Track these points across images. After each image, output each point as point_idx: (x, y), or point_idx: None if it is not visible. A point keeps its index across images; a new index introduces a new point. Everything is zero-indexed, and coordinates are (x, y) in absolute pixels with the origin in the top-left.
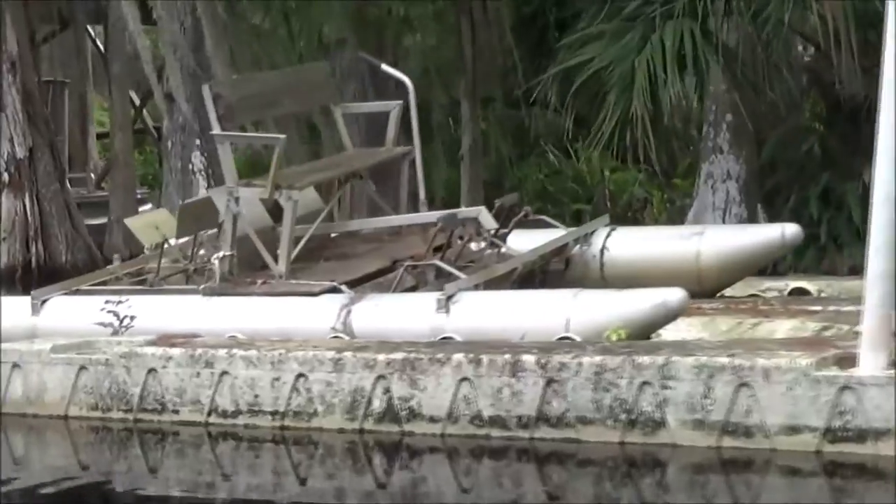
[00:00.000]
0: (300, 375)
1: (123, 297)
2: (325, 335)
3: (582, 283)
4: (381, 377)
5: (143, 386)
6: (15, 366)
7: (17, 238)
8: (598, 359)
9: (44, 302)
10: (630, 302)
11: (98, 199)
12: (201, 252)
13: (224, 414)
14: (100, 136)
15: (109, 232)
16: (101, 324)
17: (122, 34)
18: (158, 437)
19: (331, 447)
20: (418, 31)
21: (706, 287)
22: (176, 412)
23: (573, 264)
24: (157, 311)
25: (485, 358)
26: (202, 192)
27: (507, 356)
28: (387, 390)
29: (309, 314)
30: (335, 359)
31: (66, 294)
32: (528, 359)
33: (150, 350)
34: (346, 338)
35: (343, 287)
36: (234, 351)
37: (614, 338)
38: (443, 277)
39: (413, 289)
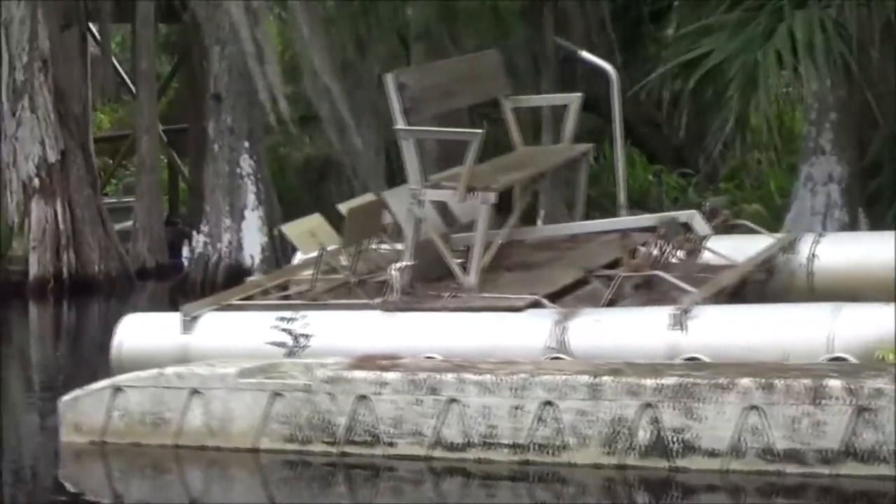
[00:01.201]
0: (547, 403)
1: (297, 314)
2: (535, 355)
3: (787, 295)
4: (647, 405)
5: (352, 415)
6: (194, 392)
7: (47, 247)
8: None
9: (194, 318)
10: None
11: (117, 205)
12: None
13: (451, 447)
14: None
15: (134, 239)
16: (274, 343)
17: (149, 32)
18: (369, 472)
19: (584, 485)
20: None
21: None
22: (391, 444)
23: (777, 274)
24: (334, 329)
25: (778, 383)
26: (251, 198)
27: (805, 381)
28: (655, 420)
29: (514, 331)
30: (591, 384)
31: (217, 310)
32: (834, 384)
33: (359, 374)
34: (567, 358)
35: (546, 301)
36: (465, 375)
37: (892, 358)
38: (644, 290)
39: (612, 303)
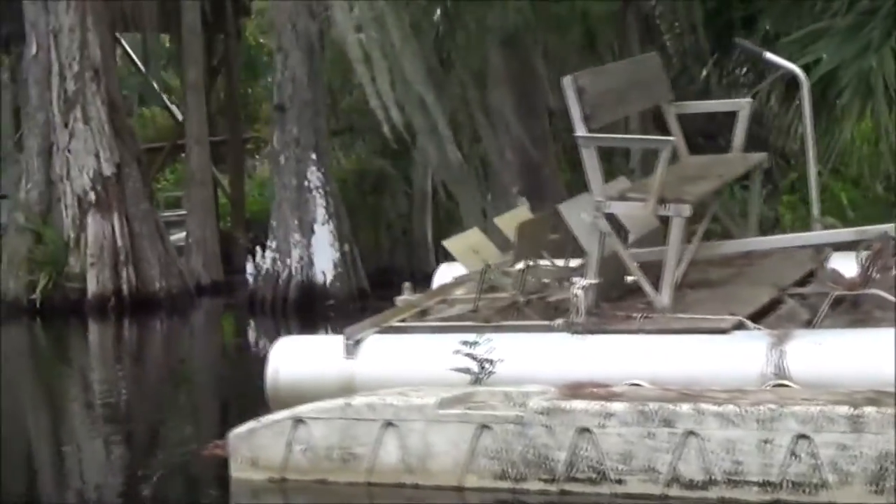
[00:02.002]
0: (801, 437)
1: (481, 337)
2: (750, 382)
3: None
4: None
5: (573, 450)
6: (388, 424)
7: (106, 263)
8: None
9: (357, 342)
10: None
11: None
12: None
13: (690, 484)
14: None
15: (188, 254)
16: (458, 369)
17: (197, 40)
18: None
19: None
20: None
21: None
22: (620, 482)
23: None
24: (522, 354)
25: None
26: (320, 212)
27: None
28: None
29: (723, 356)
30: (852, 416)
31: (380, 332)
32: None
33: (579, 405)
34: (794, 385)
35: (750, 322)
36: (703, 406)
37: None
38: (846, 309)
39: (809, 323)
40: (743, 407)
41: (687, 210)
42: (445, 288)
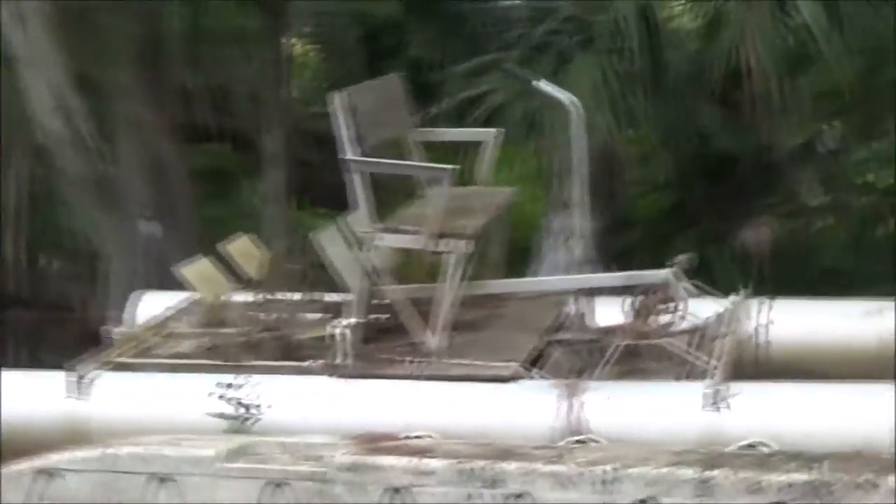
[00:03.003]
0: (643, 502)
1: (237, 379)
2: (538, 435)
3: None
4: None
5: None
6: (162, 480)
7: None
8: None
9: (86, 379)
10: None
11: None
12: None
13: None
14: None
15: None
16: (216, 415)
17: None
18: None
19: None
20: None
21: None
22: None
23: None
24: (286, 398)
25: None
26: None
27: None
28: None
29: (508, 406)
30: (699, 479)
31: (114, 369)
32: None
33: (391, 461)
34: (602, 441)
35: (531, 370)
36: (533, 466)
37: None
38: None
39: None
40: (575, 465)
41: (467, 246)
42: (163, 321)
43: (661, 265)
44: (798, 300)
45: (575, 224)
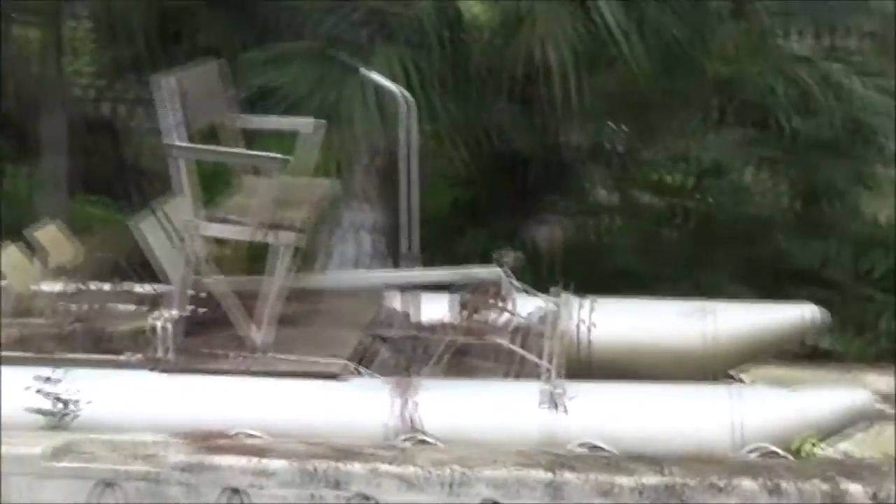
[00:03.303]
0: None
1: (59, 373)
2: (370, 434)
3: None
4: None
5: None
6: None
7: None
8: None
9: None
10: (816, 403)
11: None
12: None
13: None
14: None
15: None
16: (36, 410)
17: None
18: None
19: None
20: None
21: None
22: None
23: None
24: (108, 394)
25: (789, 486)
26: None
27: (820, 484)
28: None
29: (338, 404)
30: (549, 482)
31: None
32: (855, 489)
33: (230, 461)
34: (435, 442)
35: (358, 367)
36: (378, 467)
37: (813, 450)
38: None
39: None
40: (423, 467)
41: (296, 238)
42: None
43: (452, 262)
44: (618, 300)
45: (366, 218)
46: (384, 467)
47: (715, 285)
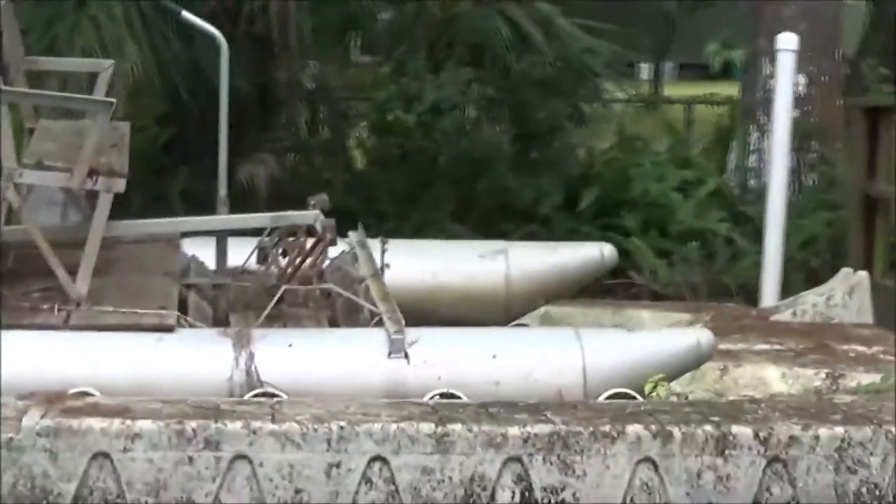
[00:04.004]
0: (376, 459)
1: None
2: (214, 389)
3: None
4: (512, 459)
5: (84, 481)
6: None
7: None
8: (839, 430)
9: None
10: (659, 344)
11: None
12: None
13: None
14: None
15: None
16: None
17: None
18: None
19: None
20: None
21: (509, 316)
22: None
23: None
24: None
25: (676, 431)
26: None
27: (707, 428)
28: (521, 478)
29: (177, 358)
30: (437, 435)
31: None
32: (743, 431)
33: (97, 424)
34: (285, 396)
35: (188, 319)
36: (257, 424)
37: (661, 393)
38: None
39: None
40: (305, 423)
41: (121, 185)
42: None
43: (158, 202)
44: (409, 241)
45: None
46: (260, 425)
47: (434, 223)
